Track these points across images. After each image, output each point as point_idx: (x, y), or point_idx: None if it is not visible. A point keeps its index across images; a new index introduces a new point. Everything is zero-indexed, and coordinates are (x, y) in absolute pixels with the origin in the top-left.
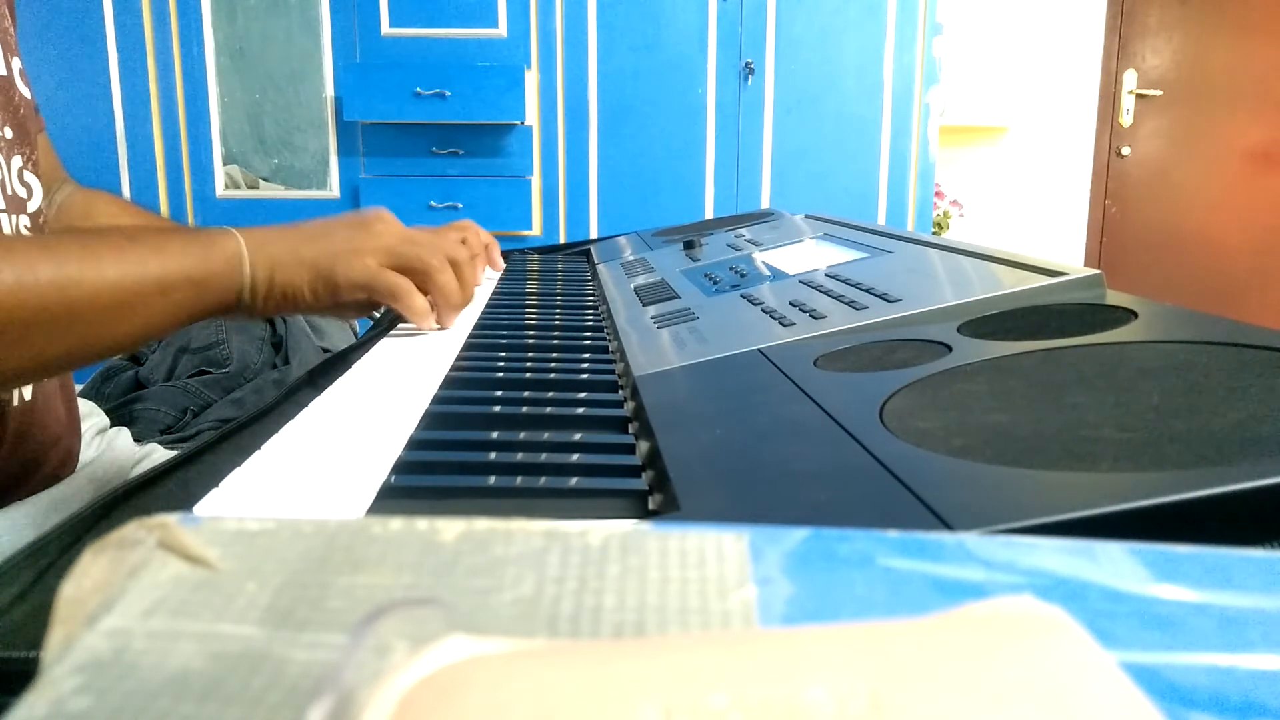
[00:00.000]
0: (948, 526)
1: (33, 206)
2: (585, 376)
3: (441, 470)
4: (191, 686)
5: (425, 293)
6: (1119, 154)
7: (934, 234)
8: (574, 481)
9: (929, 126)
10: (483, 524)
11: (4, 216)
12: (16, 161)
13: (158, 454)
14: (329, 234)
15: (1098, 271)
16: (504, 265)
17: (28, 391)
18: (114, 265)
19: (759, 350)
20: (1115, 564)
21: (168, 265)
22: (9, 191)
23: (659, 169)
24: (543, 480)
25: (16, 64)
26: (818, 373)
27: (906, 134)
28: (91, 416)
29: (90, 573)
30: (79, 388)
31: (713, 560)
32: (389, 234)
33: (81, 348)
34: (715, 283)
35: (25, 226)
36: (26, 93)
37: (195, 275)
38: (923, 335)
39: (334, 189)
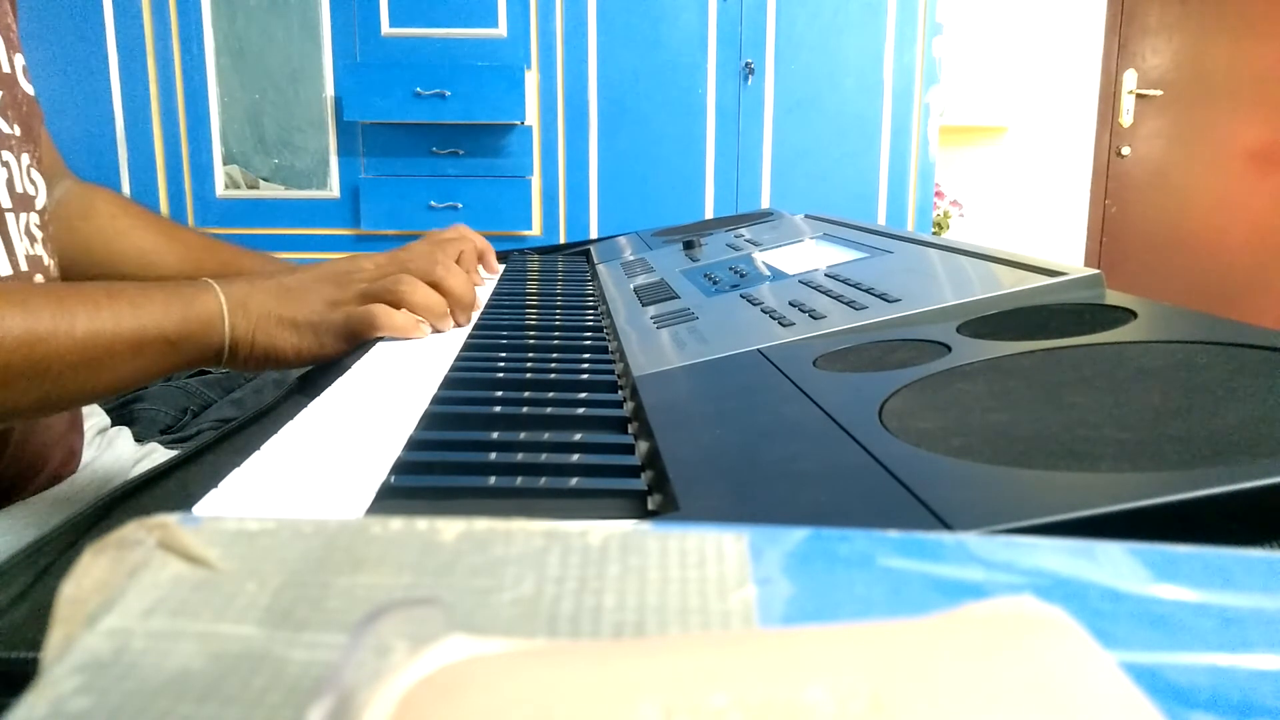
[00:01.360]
0: (947, 526)
1: (39, 204)
2: (585, 377)
3: (441, 470)
4: (191, 686)
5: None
6: (1119, 154)
7: (934, 234)
8: (574, 482)
9: (929, 126)
10: (483, 524)
11: (11, 215)
12: (25, 159)
13: (158, 454)
14: (307, 291)
15: (1097, 271)
16: (498, 270)
17: None
18: (86, 322)
19: (758, 350)
20: (1115, 564)
21: (143, 323)
22: (18, 190)
23: (659, 169)
24: (542, 480)
25: (19, 60)
26: (817, 373)
27: (906, 134)
28: (92, 416)
29: (90, 573)
30: None
31: (713, 560)
32: (362, 277)
33: (49, 400)
34: (715, 283)
35: (34, 224)
36: (29, 89)
37: (171, 335)
38: (922, 335)
39: (334, 189)
